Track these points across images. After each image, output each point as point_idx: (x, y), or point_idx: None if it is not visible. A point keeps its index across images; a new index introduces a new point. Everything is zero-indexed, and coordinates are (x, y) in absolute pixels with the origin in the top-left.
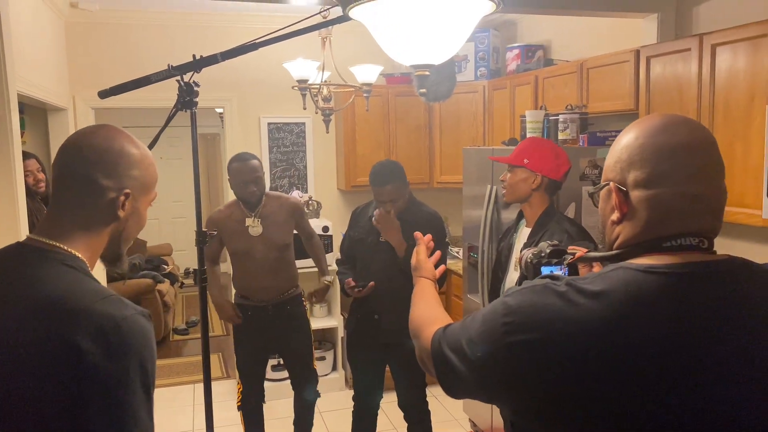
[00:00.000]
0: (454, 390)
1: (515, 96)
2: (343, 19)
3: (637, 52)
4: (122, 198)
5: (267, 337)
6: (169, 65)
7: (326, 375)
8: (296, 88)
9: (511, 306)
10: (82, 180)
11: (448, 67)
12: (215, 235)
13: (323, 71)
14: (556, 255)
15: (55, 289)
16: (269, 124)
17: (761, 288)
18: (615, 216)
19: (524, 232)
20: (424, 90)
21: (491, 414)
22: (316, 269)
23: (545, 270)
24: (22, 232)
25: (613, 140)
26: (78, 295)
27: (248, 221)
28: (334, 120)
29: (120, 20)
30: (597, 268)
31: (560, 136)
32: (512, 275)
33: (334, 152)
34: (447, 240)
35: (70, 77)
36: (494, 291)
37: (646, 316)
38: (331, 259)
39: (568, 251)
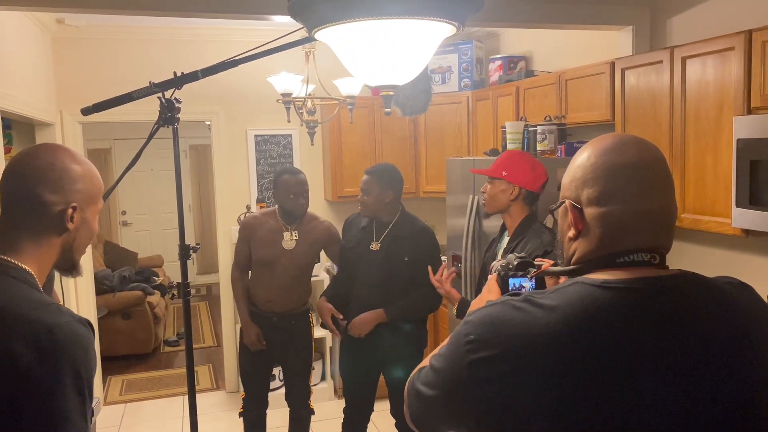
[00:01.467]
0: (422, 421)
1: (498, 107)
2: (309, 39)
3: (612, 64)
4: (70, 211)
5: (270, 347)
6: (150, 82)
7: (315, 385)
8: (280, 101)
9: (472, 324)
10: (29, 198)
11: (423, 81)
12: (199, 248)
13: (307, 84)
14: (523, 267)
15: None
16: (256, 136)
17: (709, 302)
18: (571, 233)
19: (505, 241)
20: (389, 110)
21: None
22: (324, 279)
23: (513, 281)
24: None
25: None
26: (16, 304)
27: (286, 235)
28: (320, 131)
29: (106, 36)
30: (563, 280)
31: (539, 147)
32: None
33: (321, 163)
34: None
35: (57, 92)
36: None
37: (600, 329)
38: (317, 269)
39: (535, 263)
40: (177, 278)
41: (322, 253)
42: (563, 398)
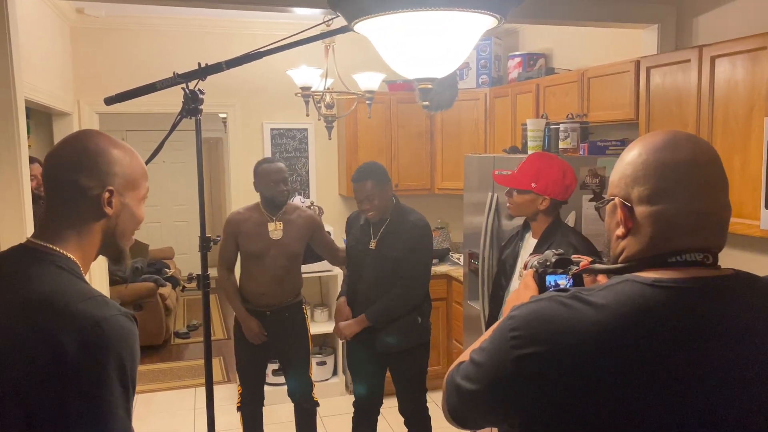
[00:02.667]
0: (461, 415)
1: (517, 104)
2: (347, 29)
3: (638, 63)
4: (106, 195)
5: (266, 342)
6: (174, 73)
7: (327, 380)
8: (299, 95)
9: (518, 319)
10: (66, 184)
11: (450, 76)
12: (220, 239)
13: (326, 78)
14: (561, 264)
15: (44, 288)
16: (272, 129)
17: (764, 302)
18: (620, 231)
19: (530, 242)
20: (427, 102)
21: None
22: (318, 275)
23: (550, 279)
24: (28, 233)
25: (614, 149)
26: (64, 296)
27: (270, 225)
28: (336, 126)
29: (125, 26)
30: (601, 279)
31: (561, 145)
32: (515, 284)
33: (336, 158)
34: (448, 247)
35: (75, 82)
36: (496, 298)
37: (652, 328)
38: (322, 266)
39: (573, 260)
40: (186, 270)
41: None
42: (610, 397)
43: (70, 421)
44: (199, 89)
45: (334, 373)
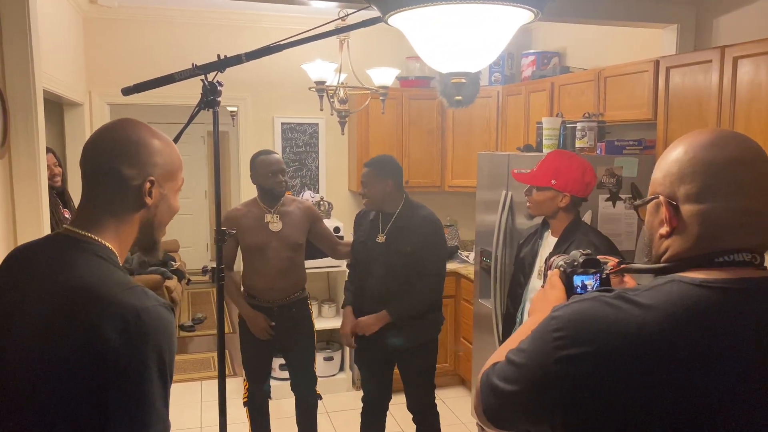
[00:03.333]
0: (498, 416)
1: (530, 102)
2: (368, 23)
3: (657, 63)
4: (147, 185)
5: (272, 337)
6: (193, 64)
7: (333, 375)
8: (313, 89)
9: (561, 319)
10: (107, 173)
11: (473, 73)
12: (233, 233)
13: (340, 73)
14: (590, 265)
15: (85, 277)
16: (283, 124)
17: None
18: (664, 230)
19: (549, 240)
20: (459, 97)
21: None
22: (326, 270)
23: (577, 279)
24: (45, 223)
25: (631, 149)
26: (105, 285)
27: (268, 217)
28: (347, 122)
29: (137, 17)
30: (629, 280)
31: (577, 144)
32: (535, 283)
33: (347, 154)
34: (456, 244)
35: (87, 73)
36: (514, 296)
37: (701, 330)
38: (329, 262)
39: (601, 261)
40: (191, 264)
41: None
42: (658, 400)
43: (108, 412)
44: (217, 81)
45: (341, 369)
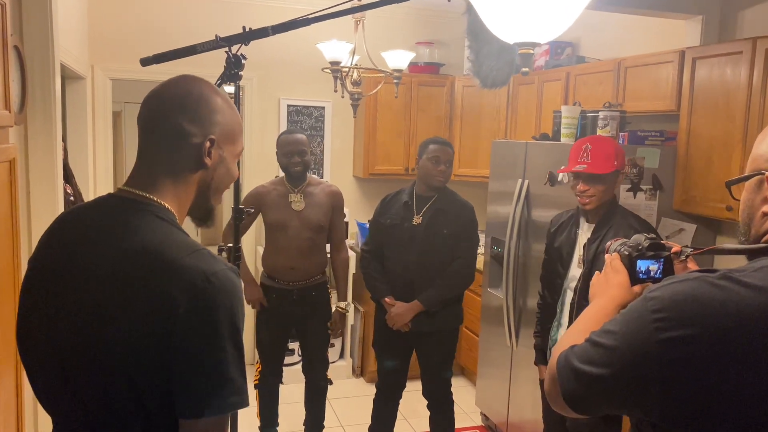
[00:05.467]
0: (586, 404)
1: (543, 92)
2: (385, 2)
3: (682, 53)
4: (207, 144)
5: (289, 321)
6: (216, 36)
7: (334, 362)
8: (326, 70)
9: (661, 300)
10: (167, 127)
11: (508, 52)
12: (252, 212)
13: (353, 54)
14: (655, 248)
15: (148, 240)
16: (289, 106)
17: None
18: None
19: (586, 227)
20: (526, 69)
21: (507, 408)
22: (328, 254)
23: (641, 264)
24: (59, 191)
25: (653, 140)
26: (171, 248)
27: (292, 196)
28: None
29: None
30: (692, 265)
31: (599, 133)
32: (575, 271)
33: (352, 139)
34: None
35: (90, 47)
36: (552, 286)
37: None
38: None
39: (666, 245)
40: (217, 244)
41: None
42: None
43: (176, 384)
44: (241, 54)
45: (341, 356)
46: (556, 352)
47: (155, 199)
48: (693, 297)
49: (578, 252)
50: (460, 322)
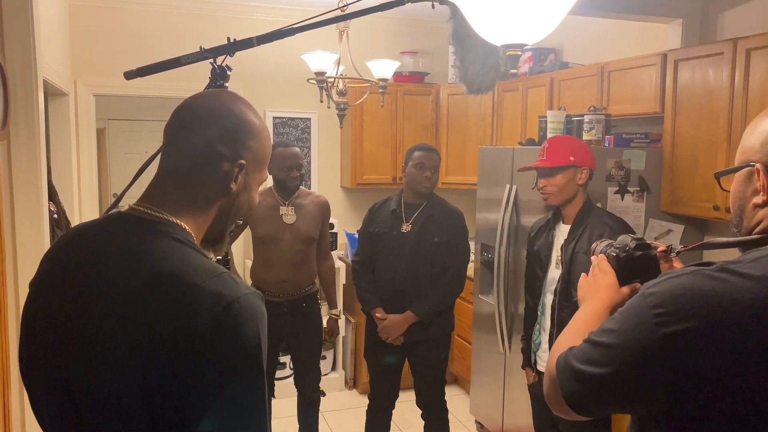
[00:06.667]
0: (588, 404)
1: (528, 98)
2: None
3: (665, 56)
4: (236, 169)
5: (280, 334)
6: (201, 47)
7: (326, 374)
8: (312, 80)
9: (660, 295)
10: (198, 144)
11: (493, 57)
12: (240, 224)
13: (338, 65)
14: (642, 248)
15: (165, 263)
16: (274, 118)
17: None
18: (759, 199)
19: (563, 229)
20: (515, 70)
21: (502, 415)
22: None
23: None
24: (44, 208)
25: (639, 142)
26: (191, 272)
27: (282, 209)
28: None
29: (124, 5)
30: (677, 263)
31: (585, 137)
32: (554, 273)
33: (339, 149)
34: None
35: (73, 62)
36: (532, 290)
37: None
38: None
39: (652, 245)
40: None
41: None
42: None
43: (190, 415)
44: (227, 65)
45: (333, 368)
46: (553, 356)
47: (173, 219)
48: (692, 290)
49: (556, 254)
50: (452, 328)
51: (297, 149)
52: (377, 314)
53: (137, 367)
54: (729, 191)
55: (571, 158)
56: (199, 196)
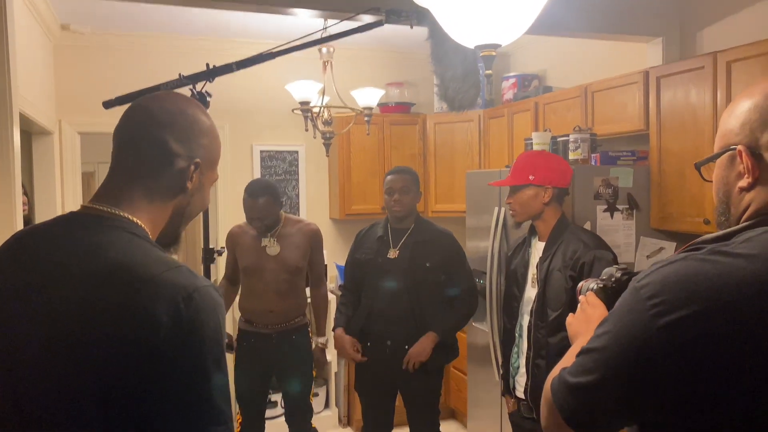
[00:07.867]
0: (591, 419)
1: (513, 123)
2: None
3: (646, 73)
4: (192, 167)
5: (269, 367)
6: (180, 74)
7: (319, 412)
8: (297, 110)
9: (653, 286)
10: (152, 143)
11: (473, 75)
12: (224, 251)
13: (323, 95)
14: (630, 274)
15: (120, 256)
16: (262, 152)
17: None
18: (744, 182)
19: (538, 247)
20: (489, 72)
21: None
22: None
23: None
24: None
25: (626, 159)
26: (148, 265)
27: (264, 241)
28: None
29: (109, 44)
30: None
31: (571, 156)
32: (530, 292)
33: (327, 181)
34: None
35: (57, 101)
36: (510, 310)
37: None
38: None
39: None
40: None
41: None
42: None
43: (152, 412)
44: (206, 91)
45: (326, 405)
46: (547, 383)
47: (128, 216)
48: (685, 276)
49: (531, 272)
50: (445, 360)
51: (263, 200)
52: (335, 331)
53: (97, 368)
54: (711, 181)
55: (531, 177)
56: (155, 195)
